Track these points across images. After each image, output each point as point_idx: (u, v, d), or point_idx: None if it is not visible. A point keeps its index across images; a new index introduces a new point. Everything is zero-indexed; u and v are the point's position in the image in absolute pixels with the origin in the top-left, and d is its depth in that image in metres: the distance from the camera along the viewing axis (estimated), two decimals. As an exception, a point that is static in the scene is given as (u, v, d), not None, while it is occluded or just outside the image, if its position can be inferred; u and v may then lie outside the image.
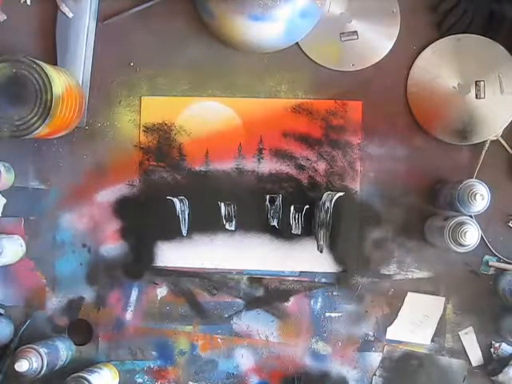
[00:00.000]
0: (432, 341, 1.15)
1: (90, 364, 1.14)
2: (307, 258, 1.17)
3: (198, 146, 1.17)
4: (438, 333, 1.15)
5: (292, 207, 1.17)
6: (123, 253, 1.17)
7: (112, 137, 1.18)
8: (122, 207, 1.17)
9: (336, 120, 1.16)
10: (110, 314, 1.17)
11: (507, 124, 1.13)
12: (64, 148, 1.17)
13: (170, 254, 1.17)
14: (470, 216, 1.06)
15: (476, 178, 1.10)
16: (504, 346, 1.14)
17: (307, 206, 1.17)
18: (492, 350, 1.14)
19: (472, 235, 1.03)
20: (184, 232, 1.17)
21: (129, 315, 1.17)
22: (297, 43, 1.15)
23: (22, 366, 1.03)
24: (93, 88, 1.17)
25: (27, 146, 1.17)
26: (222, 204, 1.17)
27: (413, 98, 1.15)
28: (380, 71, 1.16)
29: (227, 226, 1.17)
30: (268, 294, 1.17)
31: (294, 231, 1.17)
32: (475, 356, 1.15)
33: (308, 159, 1.17)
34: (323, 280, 1.17)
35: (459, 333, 1.15)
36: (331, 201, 1.16)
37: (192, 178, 1.17)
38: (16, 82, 1.03)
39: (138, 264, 1.17)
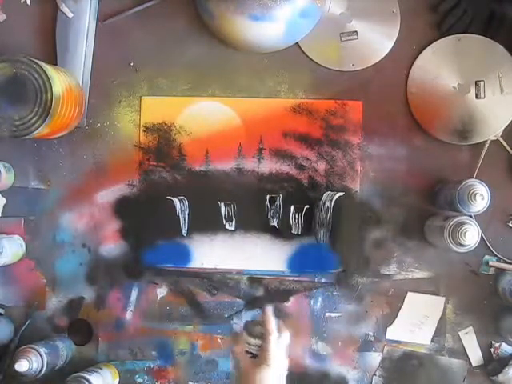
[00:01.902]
0: (432, 341, 1.15)
1: (89, 364, 1.14)
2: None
3: (198, 145, 1.17)
4: (438, 333, 1.15)
5: (292, 207, 1.17)
6: (123, 253, 1.17)
7: (112, 137, 1.18)
8: (122, 207, 1.17)
9: (336, 120, 1.16)
10: (110, 314, 1.17)
11: (507, 124, 1.13)
12: (64, 148, 1.17)
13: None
14: (470, 216, 1.06)
15: (476, 177, 1.10)
16: (504, 345, 1.14)
17: (307, 206, 1.17)
18: (492, 350, 1.14)
19: (472, 235, 1.03)
20: (184, 232, 1.17)
21: (129, 315, 1.17)
22: (297, 43, 1.15)
23: (21, 365, 1.03)
24: (93, 88, 1.17)
25: (27, 146, 1.17)
26: (222, 204, 1.17)
27: (413, 98, 1.15)
28: (380, 71, 1.16)
29: (227, 226, 1.17)
30: (268, 293, 1.17)
31: (294, 231, 1.17)
32: (475, 356, 1.15)
33: (308, 159, 1.17)
34: (323, 280, 1.17)
35: (459, 333, 1.15)
36: (331, 201, 1.16)
37: (192, 177, 1.17)
38: (16, 82, 1.03)
39: (137, 264, 1.17)
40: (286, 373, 0.96)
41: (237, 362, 0.98)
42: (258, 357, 0.95)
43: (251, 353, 0.97)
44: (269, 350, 0.94)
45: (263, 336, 0.96)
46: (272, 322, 0.96)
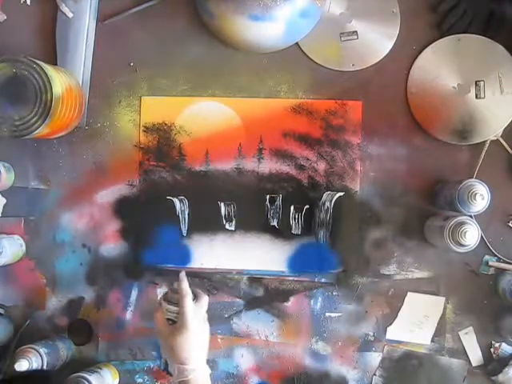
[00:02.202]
0: (432, 341, 1.15)
1: (90, 364, 1.14)
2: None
3: (198, 145, 1.17)
4: (438, 333, 1.15)
5: (292, 207, 1.17)
6: (123, 253, 1.17)
7: (112, 137, 1.18)
8: (122, 207, 1.17)
9: (336, 120, 1.16)
10: (110, 314, 1.17)
11: (507, 124, 1.13)
12: (64, 148, 1.17)
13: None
14: (470, 216, 1.06)
15: (476, 177, 1.10)
16: (504, 345, 1.14)
17: (307, 206, 1.17)
18: (492, 350, 1.14)
19: (472, 235, 1.03)
20: (184, 232, 1.17)
21: (129, 315, 1.17)
22: (297, 43, 1.15)
23: (21, 365, 1.03)
24: (93, 88, 1.17)
25: (27, 146, 1.17)
26: (222, 204, 1.17)
27: (413, 97, 1.15)
28: (380, 71, 1.16)
29: (227, 226, 1.17)
30: (268, 294, 1.17)
31: (293, 231, 1.17)
32: (475, 356, 1.15)
33: (308, 159, 1.17)
34: (323, 280, 1.17)
35: (459, 333, 1.15)
36: (331, 201, 1.16)
37: (192, 177, 1.17)
38: (16, 82, 1.03)
39: (137, 264, 1.17)
40: (207, 337, 0.99)
41: (158, 330, 0.99)
42: (177, 322, 0.97)
43: (171, 319, 0.99)
44: (185, 314, 0.96)
45: (180, 301, 0.97)
46: (186, 285, 0.98)
